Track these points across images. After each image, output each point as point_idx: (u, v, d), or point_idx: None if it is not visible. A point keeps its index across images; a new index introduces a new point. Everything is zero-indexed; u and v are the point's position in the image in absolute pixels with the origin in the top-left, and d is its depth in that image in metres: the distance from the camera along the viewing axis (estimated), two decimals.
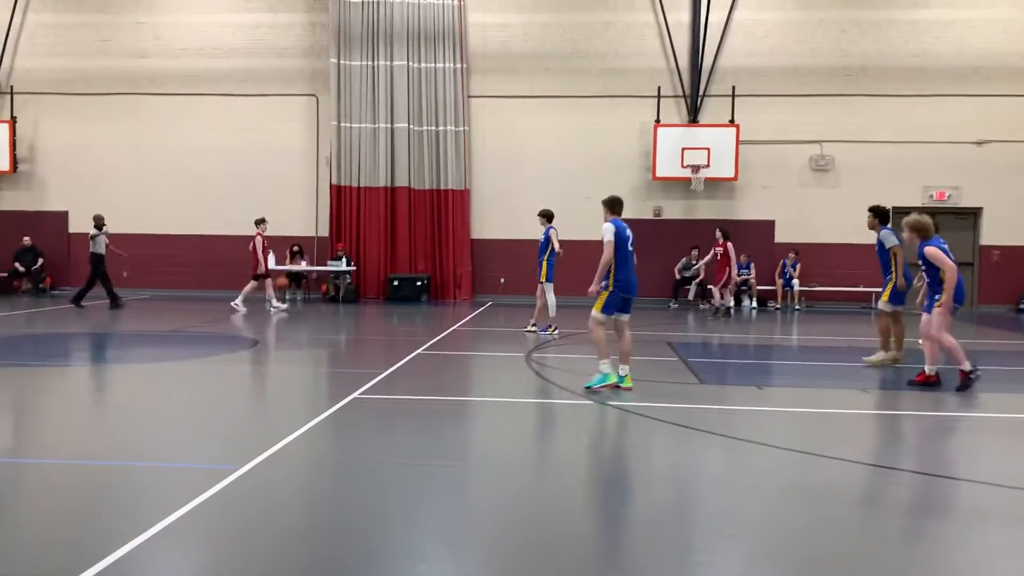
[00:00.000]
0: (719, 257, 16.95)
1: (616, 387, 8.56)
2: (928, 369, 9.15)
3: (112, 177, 21.63)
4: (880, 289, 11.41)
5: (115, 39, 21.57)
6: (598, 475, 5.84)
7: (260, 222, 17.66)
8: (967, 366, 8.85)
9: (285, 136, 21.41)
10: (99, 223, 17.67)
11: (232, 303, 17.29)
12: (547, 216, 13.76)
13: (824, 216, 20.35)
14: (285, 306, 18.15)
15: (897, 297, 10.82)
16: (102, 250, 17.51)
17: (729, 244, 16.79)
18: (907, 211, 21.15)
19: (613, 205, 8.87)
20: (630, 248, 8.72)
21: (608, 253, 8.56)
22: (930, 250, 8.96)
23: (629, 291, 8.70)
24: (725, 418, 7.52)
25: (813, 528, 4.76)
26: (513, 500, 5.14)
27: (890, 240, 10.77)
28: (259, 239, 17.44)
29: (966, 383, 8.85)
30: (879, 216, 11.12)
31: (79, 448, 6.29)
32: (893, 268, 10.70)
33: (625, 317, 8.84)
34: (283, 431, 6.55)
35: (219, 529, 4.56)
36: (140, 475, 5.58)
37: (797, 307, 19.85)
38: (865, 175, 20.20)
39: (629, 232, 8.74)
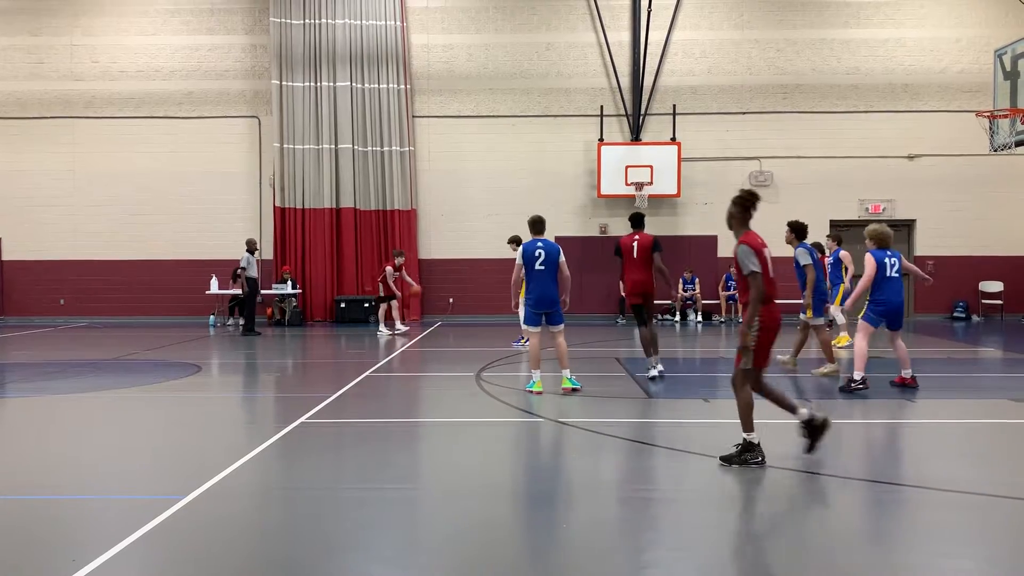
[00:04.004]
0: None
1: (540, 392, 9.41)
2: (905, 373, 9.62)
3: (47, 202, 21.10)
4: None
5: (49, 62, 21.10)
6: (547, 493, 5.84)
7: (397, 255, 17.82)
8: (858, 376, 9.38)
9: (227, 158, 21.14)
10: (252, 247, 17.47)
11: (393, 329, 17.29)
12: (516, 241, 13.93)
13: (764, 230, 20.47)
14: (403, 329, 17.53)
15: (818, 310, 11.38)
16: (255, 273, 17.39)
17: (825, 259, 17.14)
18: (844, 224, 21.74)
19: (532, 226, 9.69)
20: (539, 267, 9.38)
21: (514, 274, 9.69)
22: (867, 256, 9.42)
23: (539, 305, 9.48)
24: (673, 431, 7.58)
25: (762, 539, 4.82)
26: (464, 522, 5.10)
27: (804, 259, 11.10)
28: (389, 269, 17.41)
29: (849, 388, 9.41)
30: (796, 232, 11.42)
31: (12, 482, 6.07)
32: (808, 283, 11.13)
33: (552, 328, 9.64)
34: (228, 459, 6.42)
35: (163, 561, 4.44)
36: (79, 508, 5.41)
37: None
38: (803, 190, 20.70)
39: (539, 252, 9.40)
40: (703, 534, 4.84)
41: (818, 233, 17.18)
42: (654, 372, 10.53)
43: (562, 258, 9.54)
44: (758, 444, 6.14)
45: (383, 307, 17.60)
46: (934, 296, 21.06)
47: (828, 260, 14.74)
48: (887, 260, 9.45)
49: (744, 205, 6.33)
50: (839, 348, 13.99)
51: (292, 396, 10.24)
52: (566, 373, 9.58)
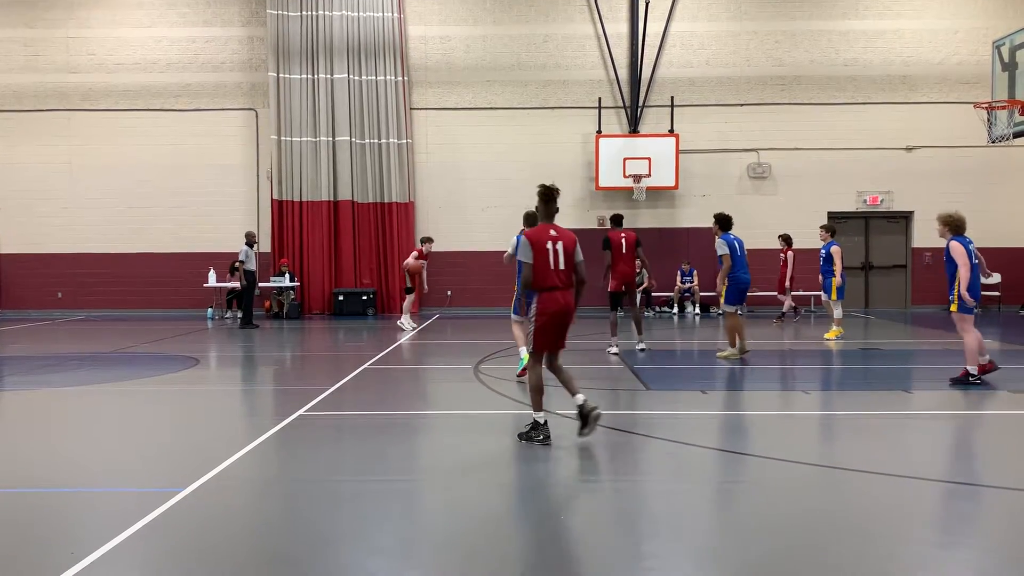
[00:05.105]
0: (783, 264, 17.23)
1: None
2: (982, 359, 9.49)
3: (44, 195, 21.04)
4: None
5: (46, 54, 21.02)
6: (545, 485, 5.85)
7: (424, 241, 17.09)
8: (972, 368, 9.25)
9: (224, 151, 21.08)
10: (250, 240, 17.40)
11: (398, 323, 17.02)
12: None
13: (762, 222, 20.69)
14: (411, 326, 16.98)
15: (731, 299, 11.93)
16: (253, 266, 17.28)
17: (790, 252, 17.15)
18: (843, 216, 21.73)
19: (526, 220, 9.91)
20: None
21: (506, 260, 10.13)
22: (953, 244, 9.29)
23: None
24: (671, 423, 7.60)
25: (759, 529, 4.83)
26: (462, 513, 5.12)
27: (721, 249, 11.76)
28: (411, 259, 16.71)
29: (963, 380, 9.27)
30: (719, 223, 11.99)
31: (10, 476, 6.07)
32: (722, 271, 11.82)
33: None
34: (227, 451, 6.42)
35: (162, 554, 4.44)
36: (77, 502, 5.42)
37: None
38: (801, 182, 20.68)
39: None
40: (701, 524, 4.86)
41: (816, 225, 17.19)
42: (614, 349, 12.47)
43: None
44: (544, 423, 6.69)
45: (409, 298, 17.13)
46: (931, 287, 21.07)
47: (821, 252, 14.77)
48: (971, 247, 9.36)
49: (545, 199, 6.72)
50: (829, 341, 13.97)
51: (290, 389, 10.25)
52: (523, 351, 9.83)
